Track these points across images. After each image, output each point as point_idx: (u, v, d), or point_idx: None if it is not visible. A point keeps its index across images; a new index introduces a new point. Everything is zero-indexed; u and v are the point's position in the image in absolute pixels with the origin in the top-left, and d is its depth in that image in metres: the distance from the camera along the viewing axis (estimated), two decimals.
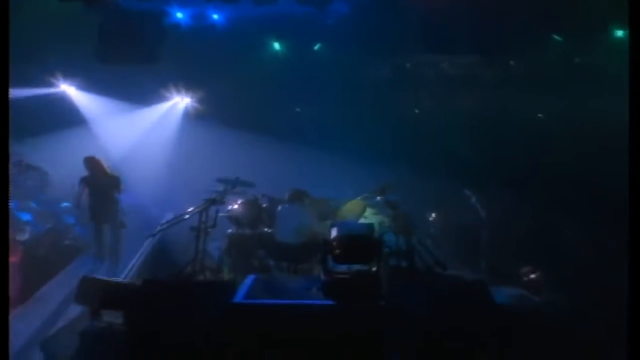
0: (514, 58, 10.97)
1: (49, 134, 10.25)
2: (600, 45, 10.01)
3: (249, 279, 5.36)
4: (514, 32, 9.75)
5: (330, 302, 4.64)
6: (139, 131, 11.43)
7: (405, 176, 9.41)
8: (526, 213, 8.67)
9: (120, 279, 6.97)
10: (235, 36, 10.27)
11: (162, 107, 11.80)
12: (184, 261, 6.97)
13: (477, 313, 4.60)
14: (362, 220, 7.91)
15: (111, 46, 9.37)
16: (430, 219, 9.14)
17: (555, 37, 10.25)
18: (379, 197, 8.03)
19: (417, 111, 12.09)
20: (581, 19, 9.62)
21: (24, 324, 6.26)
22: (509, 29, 9.68)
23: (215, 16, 10.11)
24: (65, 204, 9.34)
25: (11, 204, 8.26)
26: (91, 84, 10.88)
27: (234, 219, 7.90)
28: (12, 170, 8.87)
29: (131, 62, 9.67)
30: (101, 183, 8.53)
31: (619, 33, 9.91)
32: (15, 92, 8.41)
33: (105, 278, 6.10)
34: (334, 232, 5.14)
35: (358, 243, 5.04)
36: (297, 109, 12.45)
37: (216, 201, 7.01)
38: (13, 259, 7.29)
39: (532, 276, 6.31)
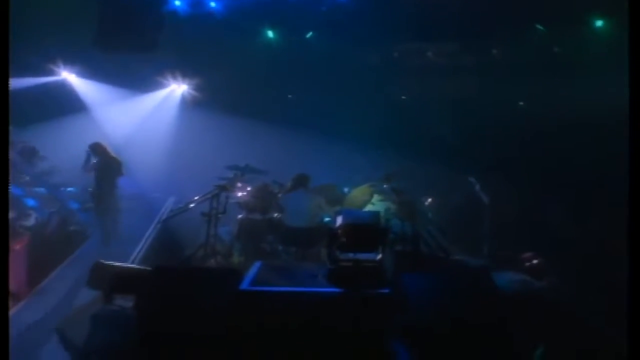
0: (499, 47, 10.94)
1: (51, 121, 10.13)
2: (581, 35, 10.04)
3: (255, 266, 5.27)
4: (499, 21, 9.82)
5: (334, 290, 4.57)
6: (137, 118, 11.29)
7: (402, 162, 9.42)
8: (523, 199, 8.69)
9: (131, 265, 6.86)
10: (232, 24, 10.08)
11: (159, 94, 11.65)
12: (191, 246, 6.90)
13: (482, 300, 4.55)
14: (369, 207, 7.94)
15: (110, 34, 9.16)
16: (426, 204, 9.18)
17: (538, 27, 10.31)
18: (385, 185, 8.03)
19: (403, 97, 12.07)
20: (563, 9, 9.70)
21: (35, 310, 6.23)
22: (495, 18, 9.70)
23: (212, 4, 9.90)
24: (70, 189, 9.17)
25: (17, 191, 8.11)
26: (90, 71, 10.70)
27: (244, 204, 7.87)
28: (17, 157, 8.67)
29: (130, 49, 9.46)
30: (106, 167, 8.65)
31: (599, 23, 10.01)
32: (17, 80, 8.24)
33: (117, 263, 5.97)
34: (339, 220, 5.06)
35: (363, 232, 4.97)
36: (290, 96, 12.34)
37: (226, 188, 6.93)
38: (20, 245, 7.18)
39: (535, 262, 6.29)
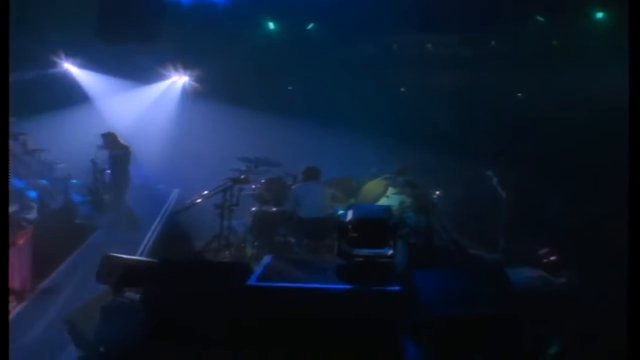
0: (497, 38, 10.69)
1: (52, 112, 9.71)
2: (582, 27, 9.82)
3: (265, 260, 5.06)
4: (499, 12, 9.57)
5: (343, 287, 4.34)
6: (138, 109, 10.95)
7: (413, 155, 9.14)
8: (530, 191, 8.42)
9: (140, 257, 6.59)
10: (233, 15, 9.81)
11: (161, 86, 11.32)
12: (199, 238, 6.67)
13: (496, 297, 4.34)
14: (383, 199, 7.67)
15: (111, 24, 8.85)
16: (434, 196, 8.89)
17: (539, 18, 10.06)
18: (399, 178, 7.75)
19: (402, 89, 11.78)
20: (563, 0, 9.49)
21: (42, 308, 5.96)
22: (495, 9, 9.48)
23: None
24: (73, 181, 8.83)
25: (19, 183, 7.75)
26: (91, 62, 10.36)
27: (257, 197, 7.60)
28: (18, 149, 8.29)
29: (131, 40, 9.14)
30: (117, 155, 8.57)
31: (599, 15, 9.78)
32: (17, 71, 7.88)
33: (127, 256, 5.68)
34: (349, 215, 4.83)
35: (373, 227, 4.70)
36: (290, 88, 12.03)
37: (239, 180, 6.66)
38: (23, 239, 6.84)
39: (552, 258, 6.04)
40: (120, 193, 8.51)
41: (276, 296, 4.25)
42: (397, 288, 4.22)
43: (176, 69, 11.05)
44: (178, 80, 11.39)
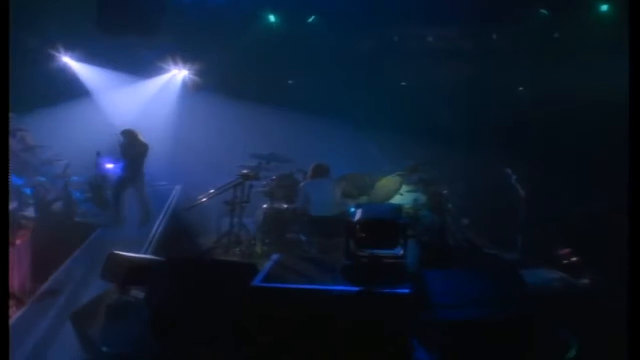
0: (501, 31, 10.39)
1: (51, 107, 9.38)
2: (585, 19, 9.53)
3: (272, 259, 4.81)
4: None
5: (351, 288, 4.07)
6: (138, 104, 10.59)
7: (424, 150, 8.81)
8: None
9: (145, 255, 6.33)
10: (233, 6, 9.53)
11: (160, 80, 10.97)
12: (204, 235, 6.39)
13: (508, 302, 4.00)
14: (397, 197, 7.38)
15: (111, 15, 8.47)
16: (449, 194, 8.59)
17: (543, 11, 9.78)
18: (413, 175, 7.44)
19: (403, 83, 11.47)
20: None
21: (43, 312, 5.62)
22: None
23: None
24: (75, 178, 8.47)
25: (18, 180, 7.41)
26: (90, 55, 10.01)
27: (268, 193, 7.35)
28: (16, 146, 7.93)
29: (131, 32, 8.80)
30: (135, 151, 8.41)
31: (604, 7, 9.51)
32: (16, 65, 7.50)
33: (132, 254, 5.45)
34: (358, 214, 4.57)
35: (381, 226, 4.47)
36: (290, 81, 11.75)
37: (250, 176, 6.37)
38: (21, 240, 6.53)
39: (574, 259, 5.70)
40: (138, 189, 8.31)
41: (280, 298, 4.02)
42: (406, 290, 3.98)
43: (176, 63, 10.71)
44: (178, 74, 11.05)
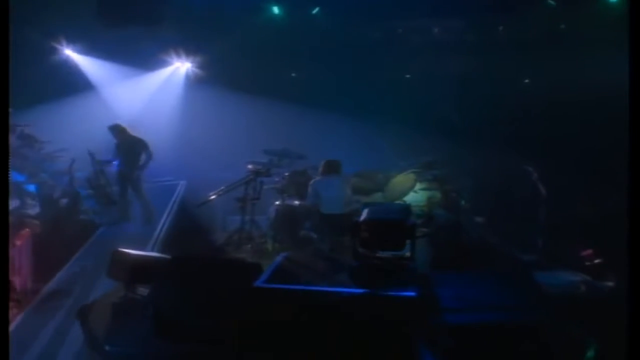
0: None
1: (52, 102, 9.09)
2: (592, 11, 9.21)
3: (277, 259, 4.58)
4: None
5: (355, 290, 3.86)
6: (141, 97, 10.33)
7: (439, 146, 8.53)
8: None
9: (152, 253, 6.11)
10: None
11: (163, 72, 10.68)
12: (211, 232, 6.19)
13: (519, 307, 3.84)
14: (411, 195, 7.09)
15: (113, 8, 8.25)
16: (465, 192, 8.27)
17: (550, 1, 9.48)
18: (427, 172, 7.16)
19: (408, 76, 11.19)
20: None
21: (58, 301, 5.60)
22: None
23: None
24: (79, 174, 8.21)
25: (19, 177, 7.15)
26: (93, 48, 9.73)
27: (281, 190, 7.13)
28: (17, 142, 7.65)
29: (133, 23, 8.57)
30: (129, 147, 8.09)
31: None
32: (16, 59, 7.21)
33: (137, 252, 5.31)
34: (363, 214, 4.37)
35: (387, 227, 4.26)
36: (293, 74, 11.51)
37: (261, 173, 6.14)
38: (22, 240, 6.25)
39: (597, 261, 5.40)
40: (134, 187, 8.02)
41: (283, 299, 3.82)
42: (412, 293, 3.73)
43: (178, 55, 10.43)
44: (181, 67, 10.76)
